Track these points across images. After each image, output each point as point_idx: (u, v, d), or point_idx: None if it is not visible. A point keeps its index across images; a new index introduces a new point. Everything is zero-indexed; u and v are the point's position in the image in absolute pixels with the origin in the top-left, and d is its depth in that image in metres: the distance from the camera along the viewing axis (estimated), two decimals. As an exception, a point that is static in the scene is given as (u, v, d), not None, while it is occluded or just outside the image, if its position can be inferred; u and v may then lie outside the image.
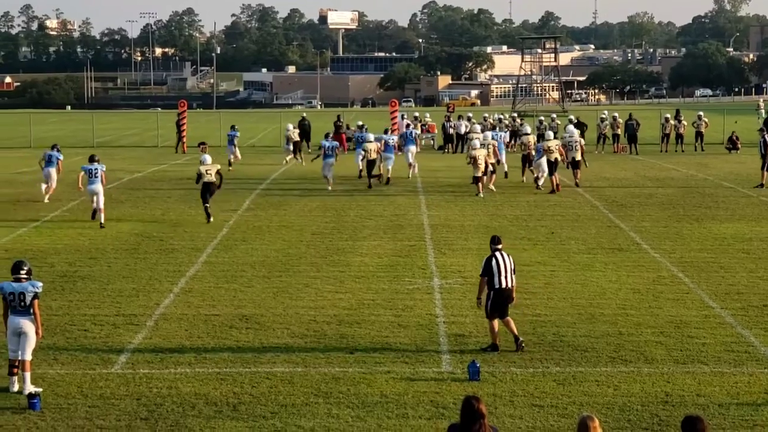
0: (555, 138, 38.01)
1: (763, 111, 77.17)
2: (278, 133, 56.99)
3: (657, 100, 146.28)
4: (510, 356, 15.59)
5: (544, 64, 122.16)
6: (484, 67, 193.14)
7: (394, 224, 28.21)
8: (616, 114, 54.27)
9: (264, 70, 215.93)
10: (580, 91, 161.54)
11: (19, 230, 27.35)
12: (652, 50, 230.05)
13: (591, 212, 30.30)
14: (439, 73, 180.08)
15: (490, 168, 34.71)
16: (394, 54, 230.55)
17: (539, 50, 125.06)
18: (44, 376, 14.63)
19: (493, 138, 37.36)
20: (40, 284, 14.32)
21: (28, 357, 13.98)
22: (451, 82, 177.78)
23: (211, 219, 28.51)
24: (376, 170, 36.86)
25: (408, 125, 49.07)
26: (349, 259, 23.21)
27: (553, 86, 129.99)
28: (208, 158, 29.75)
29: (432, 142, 56.26)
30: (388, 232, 27.01)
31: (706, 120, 52.75)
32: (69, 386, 14.31)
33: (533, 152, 36.32)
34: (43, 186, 33.03)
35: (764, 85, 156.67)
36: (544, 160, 34.87)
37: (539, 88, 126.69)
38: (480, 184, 33.69)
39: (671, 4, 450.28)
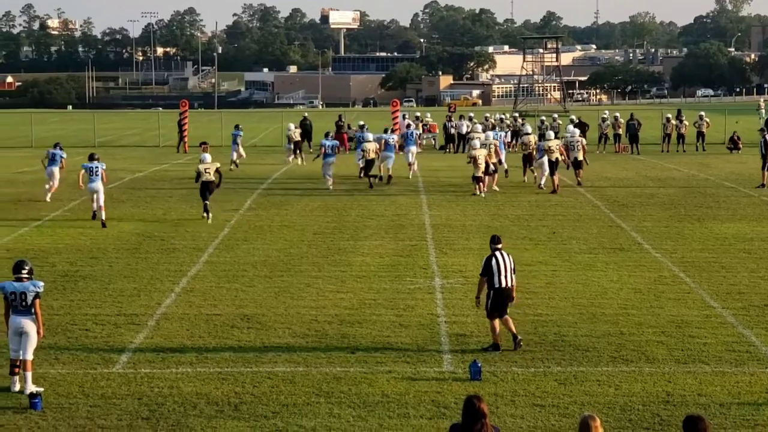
0: (556, 138, 38.00)
1: (763, 110, 77.21)
2: (279, 133, 56.99)
3: (658, 100, 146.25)
4: (511, 356, 15.59)
5: (546, 64, 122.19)
6: (486, 67, 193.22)
7: (395, 224, 28.22)
8: (618, 114, 54.28)
9: (265, 69, 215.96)
10: (582, 91, 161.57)
11: (20, 230, 27.36)
12: (653, 50, 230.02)
13: (592, 212, 30.29)
14: (440, 73, 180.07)
15: (492, 168, 34.68)
16: (395, 54, 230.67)
17: (541, 50, 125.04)
18: (45, 376, 14.63)
19: (494, 138, 37.37)
20: (42, 284, 14.33)
21: (30, 357, 13.98)
22: (452, 82, 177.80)
23: (209, 217, 28.52)
24: (375, 170, 36.83)
25: (408, 125, 49.06)
26: (350, 259, 23.21)
27: (554, 86, 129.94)
28: (207, 157, 29.83)
29: (433, 141, 56.27)
30: (390, 231, 27.01)
31: (708, 120, 52.78)
32: (70, 386, 14.32)
33: (534, 152, 36.34)
34: (47, 185, 33.09)
35: (766, 85, 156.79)
36: (545, 160, 34.88)
37: (541, 88, 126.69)
38: (481, 184, 33.68)
39: (673, 4, 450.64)
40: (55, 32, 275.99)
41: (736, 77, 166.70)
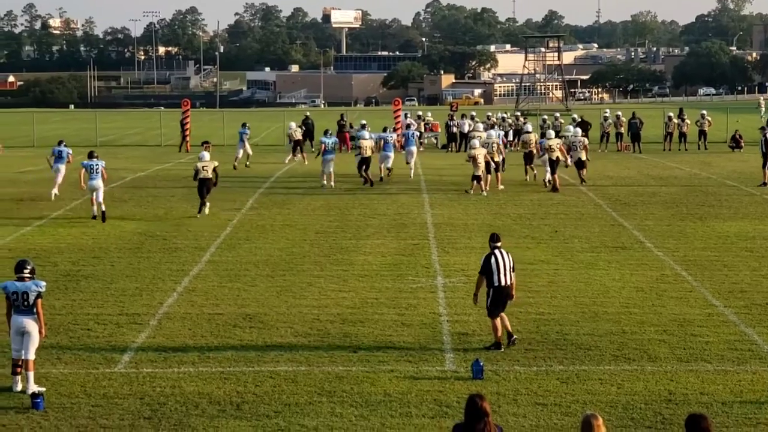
0: (556, 137, 38.00)
1: (763, 108, 77.27)
2: (281, 132, 56.98)
3: (660, 98, 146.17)
4: (513, 354, 15.59)
5: (548, 62, 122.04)
6: (488, 65, 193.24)
7: (397, 223, 28.21)
8: (620, 113, 54.29)
9: (267, 69, 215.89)
10: (584, 90, 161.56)
11: (22, 229, 27.36)
12: (655, 49, 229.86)
13: (594, 211, 30.29)
14: (442, 71, 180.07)
15: (493, 166, 34.66)
16: (397, 53, 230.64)
17: (543, 49, 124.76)
18: (47, 376, 14.63)
19: (495, 137, 37.37)
20: (44, 283, 14.34)
21: (32, 356, 13.98)
22: (454, 80, 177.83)
23: (204, 212, 28.99)
24: (375, 170, 36.76)
25: (408, 125, 49.06)
26: (352, 258, 23.21)
27: (556, 85, 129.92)
28: (206, 155, 30.09)
29: (435, 141, 56.29)
30: (392, 230, 27.00)
31: (710, 119, 52.79)
32: (72, 385, 14.32)
33: (535, 150, 36.35)
34: (57, 183, 33.46)
35: (767, 84, 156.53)
36: (547, 158, 34.90)
37: (542, 87, 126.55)
38: (481, 183, 33.67)
39: (674, 3, 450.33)
40: (57, 32, 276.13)
41: (737, 76, 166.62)
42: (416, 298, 19.25)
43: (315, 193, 34.43)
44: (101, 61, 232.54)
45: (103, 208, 28.49)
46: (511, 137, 51.21)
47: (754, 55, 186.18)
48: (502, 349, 15.73)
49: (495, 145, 35.63)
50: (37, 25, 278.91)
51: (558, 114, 57.56)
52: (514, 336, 16.02)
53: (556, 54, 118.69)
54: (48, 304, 16.94)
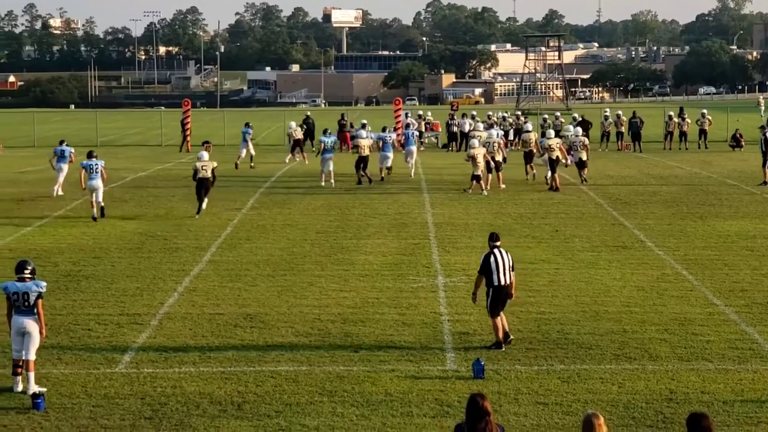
0: (556, 136, 38.00)
1: (762, 107, 77.26)
2: (282, 132, 57.00)
3: (661, 98, 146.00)
4: (514, 354, 15.59)
5: (548, 62, 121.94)
6: (488, 65, 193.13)
7: (398, 222, 28.21)
8: (620, 112, 54.29)
9: (268, 68, 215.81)
10: (584, 89, 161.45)
11: (23, 229, 27.37)
12: (655, 48, 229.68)
13: (595, 210, 30.29)
14: (443, 71, 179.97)
15: (493, 165, 34.65)
16: (398, 52, 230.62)
17: (543, 48, 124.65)
18: (48, 376, 14.63)
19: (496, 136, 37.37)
20: (44, 284, 14.34)
21: (32, 357, 13.98)
22: (455, 80, 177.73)
23: (202, 208, 29.06)
24: (375, 170, 36.75)
25: (408, 125, 49.06)
26: (353, 258, 23.21)
27: (557, 84, 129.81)
28: (205, 155, 30.15)
29: (435, 140, 56.29)
30: (393, 230, 27.00)
31: (710, 118, 52.80)
32: (73, 386, 14.32)
33: (535, 150, 36.36)
34: (59, 179, 33.64)
35: (767, 83, 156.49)
36: (547, 157, 34.91)
37: (543, 86, 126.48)
38: (481, 183, 33.68)
39: (675, 3, 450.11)
40: (58, 32, 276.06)
41: (738, 75, 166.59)
42: (417, 298, 19.25)
43: (315, 193, 34.43)
44: (102, 61, 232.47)
45: (102, 204, 28.73)
46: (511, 136, 51.24)
47: (755, 54, 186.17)
48: (503, 349, 15.74)
49: (496, 144, 35.63)
50: (38, 25, 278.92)
51: (558, 113, 57.54)
52: (511, 336, 16.01)
53: (556, 53, 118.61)
54: (49, 305, 16.95)
